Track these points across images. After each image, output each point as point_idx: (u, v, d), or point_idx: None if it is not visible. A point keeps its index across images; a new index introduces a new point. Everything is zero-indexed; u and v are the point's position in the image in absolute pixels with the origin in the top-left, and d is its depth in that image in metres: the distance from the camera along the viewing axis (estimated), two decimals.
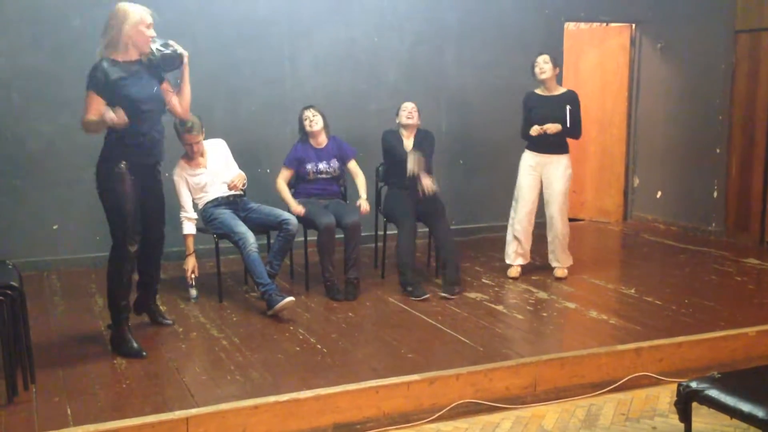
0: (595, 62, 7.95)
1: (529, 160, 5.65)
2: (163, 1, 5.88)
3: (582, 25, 8.02)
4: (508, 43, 7.15)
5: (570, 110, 5.46)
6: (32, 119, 5.74)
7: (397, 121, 5.61)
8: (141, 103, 3.96)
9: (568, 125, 5.46)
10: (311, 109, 5.42)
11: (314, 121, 5.35)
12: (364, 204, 5.39)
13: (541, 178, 5.63)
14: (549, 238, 5.72)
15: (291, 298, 4.72)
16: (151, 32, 3.98)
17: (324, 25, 6.50)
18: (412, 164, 5.29)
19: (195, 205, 5.20)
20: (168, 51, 4.04)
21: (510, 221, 5.76)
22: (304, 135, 5.45)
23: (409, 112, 5.53)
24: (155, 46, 4.02)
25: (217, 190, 5.12)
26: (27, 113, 5.72)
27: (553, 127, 5.42)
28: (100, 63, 3.91)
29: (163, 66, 4.08)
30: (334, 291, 5.16)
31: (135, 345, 4.11)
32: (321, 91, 6.46)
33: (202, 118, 5.08)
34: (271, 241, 5.28)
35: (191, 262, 5.10)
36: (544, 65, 5.50)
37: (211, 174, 5.11)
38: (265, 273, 4.79)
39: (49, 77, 5.73)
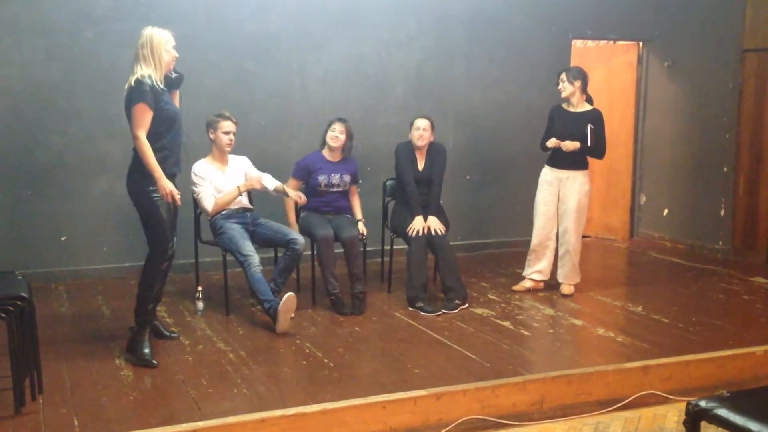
0: (602, 80, 7.97)
1: (547, 175, 5.67)
2: (174, 15, 5.96)
3: (589, 42, 8.06)
4: (516, 60, 7.19)
5: (591, 129, 5.43)
6: (43, 131, 5.77)
7: (410, 138, 5.59)
8: (177, 118, 4.24)
9: (588, 144, 5.44)
10: (342, 125, 5.40)
11: (339, 138, 5.39)
12: (362, 227, 5.44)
13: (558, 193, 5.64)
14: (560, 253, 5.72)
15: (290, 294, 4.66)
16: (175, 52, 4.23)
17: (333, 39, 6.54)
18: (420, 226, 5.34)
19: (203, 215, 5.24)
20: (180, 72, 4.33)
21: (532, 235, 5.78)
22: (323, 144, 5.46)
23: (420, 135, 5.48)
24: None
25: None
26: (38, 125, 5.76)
27: (570, 145, 5.42)
28: (144, 78, 4.06)
29: (176, 85, 4.33)
30: (340, 305, 5.15)
31: (147, 351, 4.19)
32: (329, 105, 6.49)
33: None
34: (278, 255, 5.29)
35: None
36: (561, 84, 5.53)
37: (229, 181, 5.12)
38: (269, 291, 4.78)
39: (60, 89, 5.78)
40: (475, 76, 7.08)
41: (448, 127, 7.00)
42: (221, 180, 5.10)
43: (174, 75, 4.27)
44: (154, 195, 4.13)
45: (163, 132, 4.13)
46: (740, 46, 6.94)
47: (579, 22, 7.38)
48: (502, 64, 7.15)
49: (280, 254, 5.28)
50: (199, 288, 5.20)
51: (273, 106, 6.41)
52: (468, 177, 7.11)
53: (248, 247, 4.89)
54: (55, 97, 5.78)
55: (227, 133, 5.05)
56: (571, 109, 5.58)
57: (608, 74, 7.99)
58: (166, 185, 4.11)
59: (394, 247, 5.82)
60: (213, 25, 6.16)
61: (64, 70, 5.77)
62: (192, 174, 5.06)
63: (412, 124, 5.57)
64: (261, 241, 5.09)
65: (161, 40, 4.14)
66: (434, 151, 5.58)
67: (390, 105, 6.78)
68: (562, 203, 5.62)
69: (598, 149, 5.55)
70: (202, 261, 5.50)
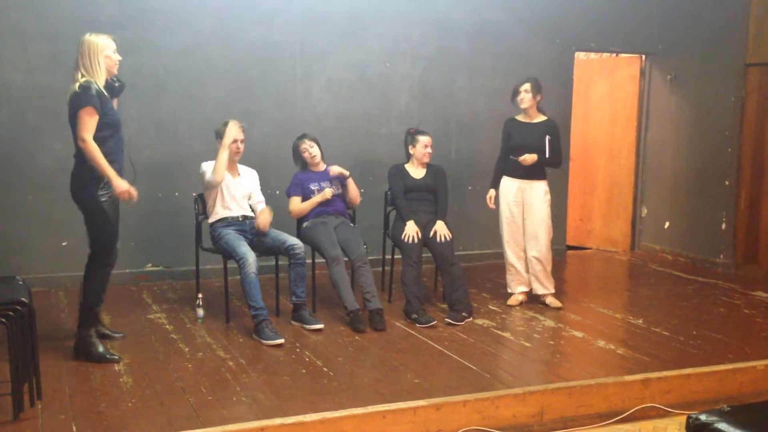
0: (605, 92, 7.99)
1: (509, 186, 5.65)
2: (178, 23, 5.98)
3: (592, 55, 8.07)
4: (519, 72, 7.15)
5: (549, 140, 5.48)
6: (45, 136, 5.78)
7: (411, 152, 5.61)
8: (120, 125, 4.29)
9: (547, 155, 5.47)
10: (307, 140, 5.48)
11: (312, 152, 5.45)
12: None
13: (523, 203, 5.63)
14: (532, 264, 5.66)
15: (281, 341, 4.66)
16: (118, 56, 4.29)
17: (337, 48, 6.56)
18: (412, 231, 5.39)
19: (205, 223, 5.25)
20: (122, 81, 4.37)
21: (504, 249, 5.76)
22: (303, 164, 5.54)
23: (425, 153, 5.54)
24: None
25: (230, 208, 5.14)
26: (41, 130, 5.77)
27: (529, 158, 5.44)
28: (90, 83, 4.12)
29: (116, 93, 4.38)
30: (357, 321, 5.01)
31: (102, 350, 4.29)
32: (332, 114, 6.51)
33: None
34: (280, 263, 5.29)
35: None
36: (525, 94, 5.52)
37: (233, 187, 5.14)
38: (260, 297, 4.74)
39: (64, 95, 5.74)
40: (478, 87, 7.10)
41: (450, 138, 7.01)
42: (229, 181, 5.12)
43: (116, 83, 4.31)
44: (102, 197, 4.20)
45: (106, 137, 4.18)
46: (743, 60, 6.95)
47: (582, 34, 7.40)
48: (505, 75, 7.15)
49: (282, 262, 5.27)
50: (200, 295, 5.20)
51: (277, 114, 6.42)
52: (470, 187, 7.12)
53: (244, 247, 4.89)
54: (59, 102, 5.72)
55: (234, 141, 5.06)
56: (527, 120, 5.59)
57: (611, 87, 8.00)
58: (122, 183, 4.16)
59: (395, 256, 5.81)
60: (217, 33, 6.17)
61: (68, 76, 5.76)
62: (200, 168, 5.14)
63: (414, 138, 5.59)
64: (261, 249, 5.08)
65: (98, 47, 4.18)
66: (436, 170, 5.67)
67: (393, 115, 6.80)
68: (528, 215, 5.62)
69: (556, 159, 5.58)
70: (202, 268, 5.49)
